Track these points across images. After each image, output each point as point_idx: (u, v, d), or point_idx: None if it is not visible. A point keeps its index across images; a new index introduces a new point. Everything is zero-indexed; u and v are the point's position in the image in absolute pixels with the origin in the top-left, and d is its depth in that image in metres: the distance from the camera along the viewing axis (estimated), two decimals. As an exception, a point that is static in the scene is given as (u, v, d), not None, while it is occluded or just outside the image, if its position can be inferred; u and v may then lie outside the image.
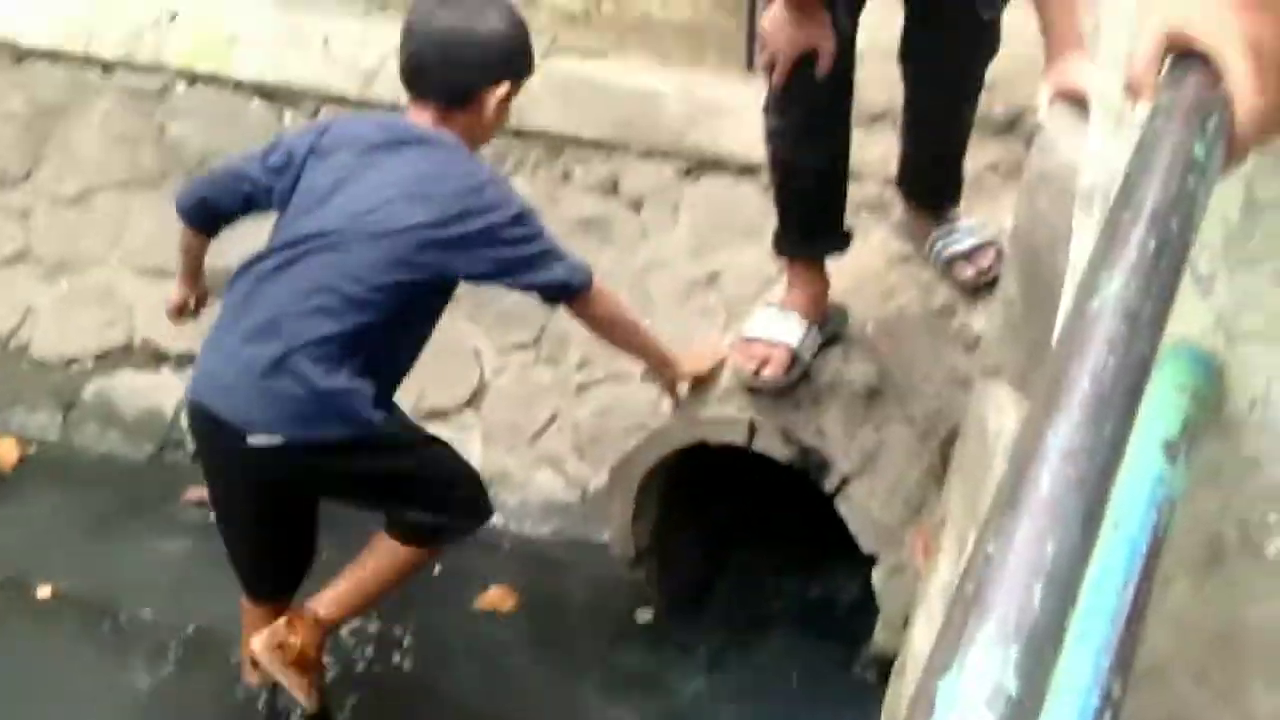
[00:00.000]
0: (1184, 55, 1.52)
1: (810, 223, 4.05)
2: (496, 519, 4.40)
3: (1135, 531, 1.62)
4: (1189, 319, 1.87)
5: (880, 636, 4.01)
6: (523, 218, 3.84)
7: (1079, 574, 1.02)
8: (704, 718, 4.17)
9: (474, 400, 4.70)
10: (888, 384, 4.12)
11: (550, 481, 4.65)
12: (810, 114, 3.81)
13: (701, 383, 4.16)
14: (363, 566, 4.01)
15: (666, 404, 4.37)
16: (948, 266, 4.20)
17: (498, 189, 3.88)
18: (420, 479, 4.06)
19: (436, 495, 4.06)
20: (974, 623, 0.92)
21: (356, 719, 4.12)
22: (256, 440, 3.74)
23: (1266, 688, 2.08)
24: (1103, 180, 1.89)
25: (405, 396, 4.35)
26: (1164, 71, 1.53)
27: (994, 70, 4.01)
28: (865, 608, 4.06)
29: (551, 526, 4.60)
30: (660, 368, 4.15)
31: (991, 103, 4.28)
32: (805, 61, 3.67)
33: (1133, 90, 1.58)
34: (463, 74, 3.90)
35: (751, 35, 3.86)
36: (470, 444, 4.46)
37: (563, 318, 4.57)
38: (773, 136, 3.93)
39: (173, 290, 4.15)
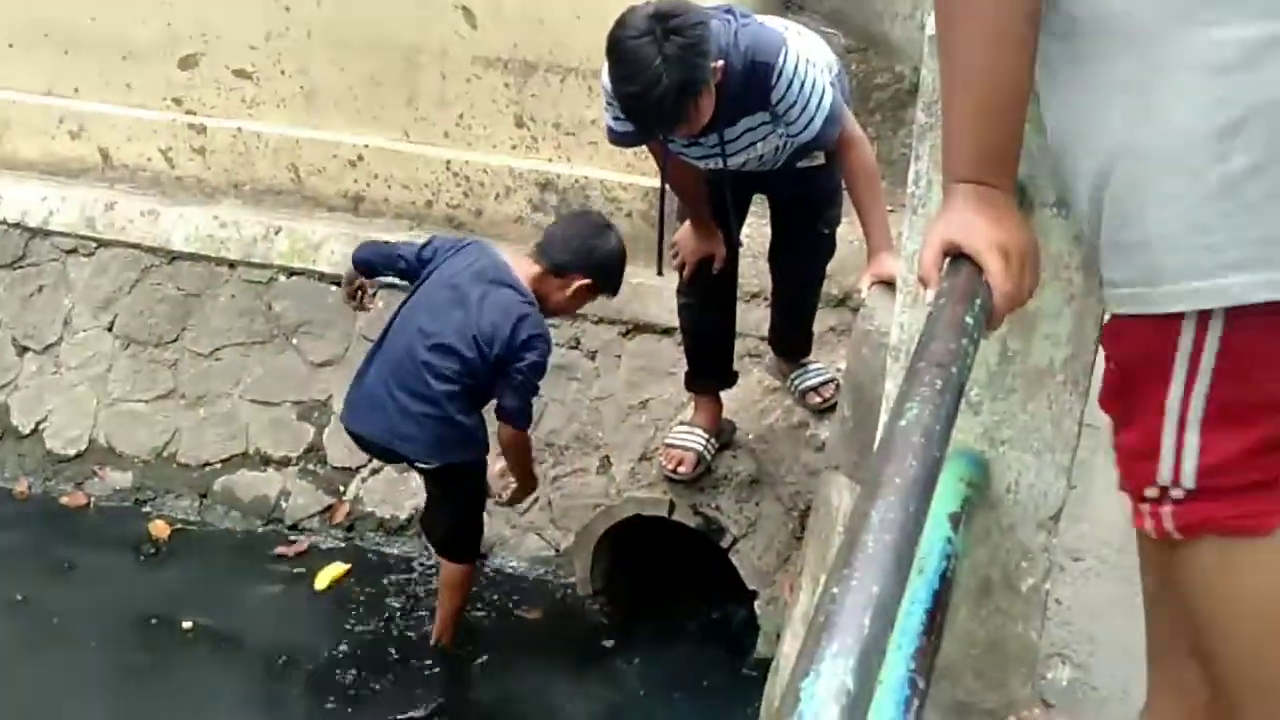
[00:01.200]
0: (957, 257, 1.50)
1: (710, 367, 4.11)
2: (504, 564, 4.47)
3: (932, 576, 1.62)
4: (965, 431, 1.87)
5: (761, 646, 3.99)
6: (534, 369, 3.79)
7: (895, 607, 1.03)
8: (639, 699, 4.11)
9: None
10: (763, 474, 4.14)
11: (535, 542, 4.58)
12: (708, 295, 3.90)
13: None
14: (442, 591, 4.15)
15: (614, 489, 4.34)
16: (802, 395, 4.20)
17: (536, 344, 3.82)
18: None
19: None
20: (824, 642, 0.94)
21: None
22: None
23: (1022, 681, 2.08)
24: (905, 339, 1.88)
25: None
26: (944, 268, 1.51)
27: (831, 264, 3.99)
28: (750, 627, 4.07)
29: (536, 573, 4.52)
30: (530, 483, 4.13)
31: (830, 286, 4.25)
32: (704, 261, 3.78)
33: (924, 281, 1.55)
34: (568, 257, 3.87)
35: (660, 250, 3.90)
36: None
37: (541, 432, 4.52)
38: (683, 309, 3.98)
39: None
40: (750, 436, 4.30)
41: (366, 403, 3.90)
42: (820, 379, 4.21)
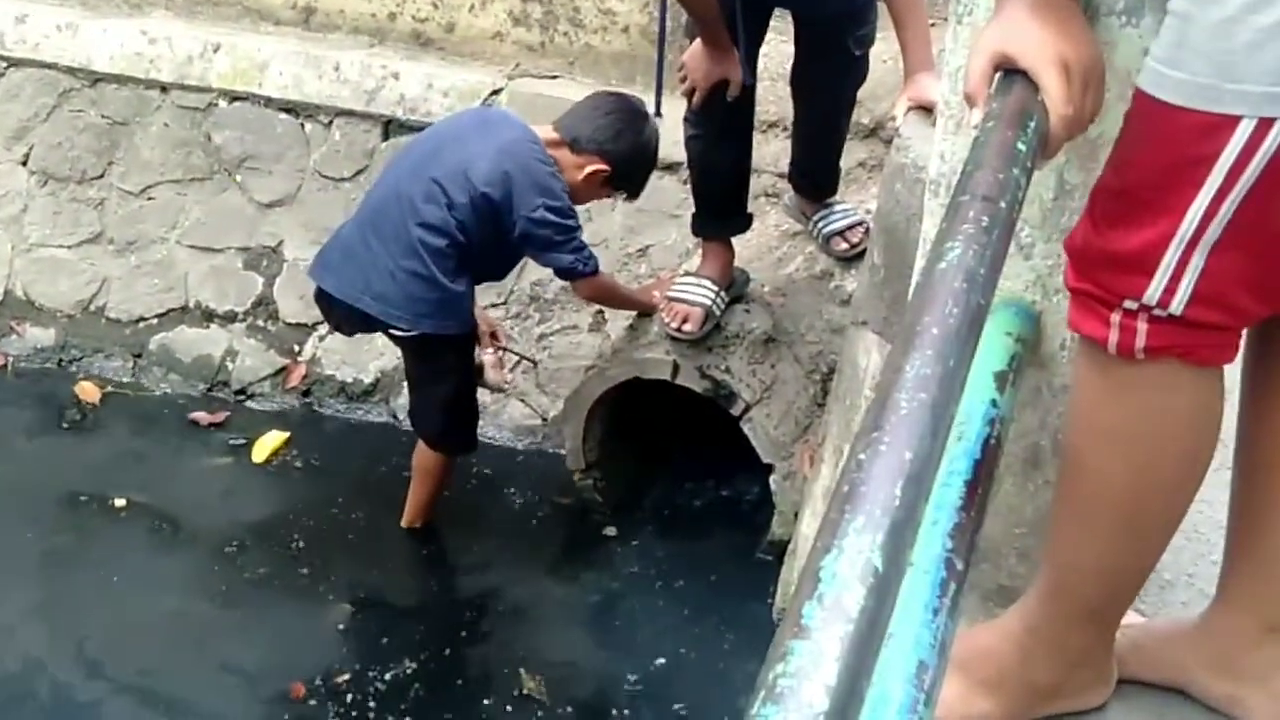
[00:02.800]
0: (1009, 72, 1.53)
1: (720, 209, 4.08)
2: (483, 435, 4.40)
3: (974, 443, 1.64)
4: (1014, 278, 1.89)
5: (777, 527, 4.02)
6: (557, 211, 3.77)
7: (930, 476, 1.03)
8: (638, 589, 4.16)
9: None
10: (780, 332, 4.14)
11: (519, 410, 4.65)
12: (721, 126, 3.83)
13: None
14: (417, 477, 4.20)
15: (608, 349, 4.36)
16: (827, 240, 4.20)
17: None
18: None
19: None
20: (849, 515, 0.93)
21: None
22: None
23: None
24: (946, 171, 1.89)
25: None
26: (994, 85, 1.54)
27: (862, 89, 3.98)
28: (765, 505, 4.08)
29: (523, 443, 4.58)
30: (646, 310, 4.16)
31: (860, 114, 4.26)
32: (718, 86, 3.69)
33: (969, 100, 1.58)
34: (589, 133, 3.85)
35: (659, 77, 3.92)
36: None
37: (524, 283, 4.60)
38: (691, 142, 3.92)
39: None
40: (766, 289, 4.31)
41: (338, 254, 3.89)
42: (847, 221, 4.20)
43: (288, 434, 4.66)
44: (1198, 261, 1.52)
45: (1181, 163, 1.49)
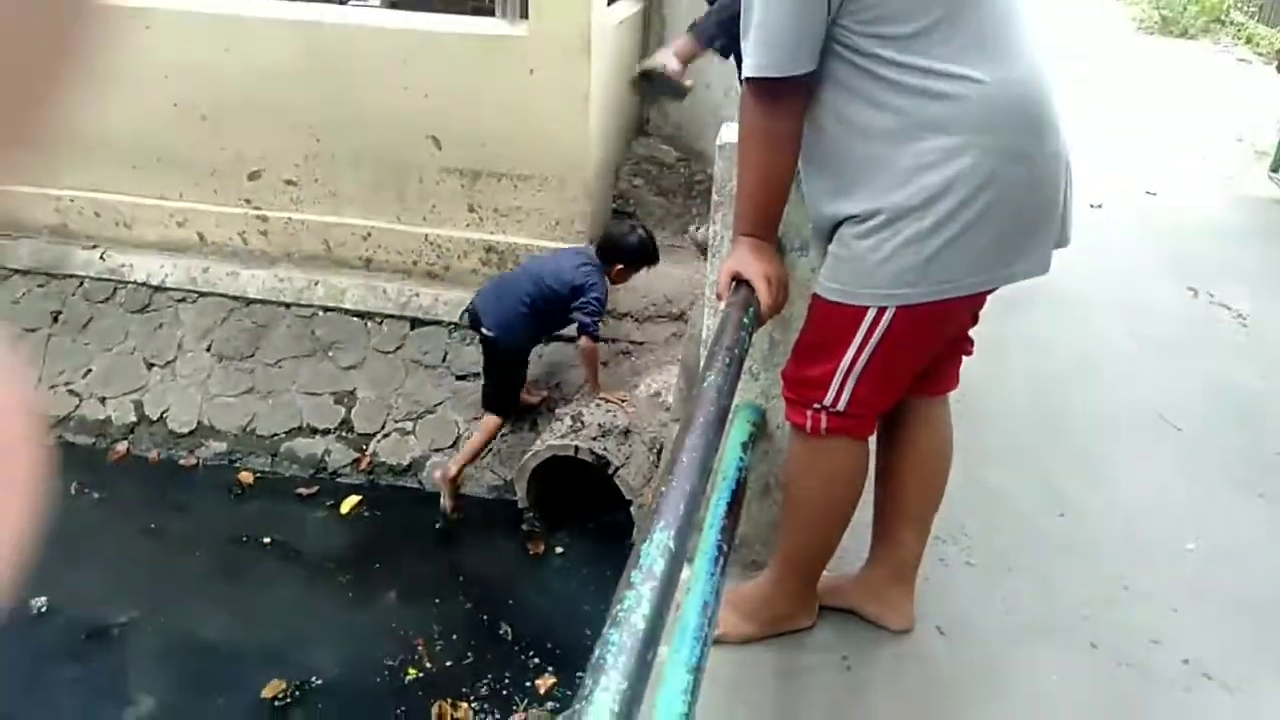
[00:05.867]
0: (739, 281, 1.50)
1: None
2: (471, 492, 4.39)
3: (731, 481, 1.62)
4: (749, 391, 1.88)
5: (636, 538, 3.95)
6: (595, 298, 3.92)
7: (700, 498, 1.03)
8: (559, 575, 4.11)
9: (455, 443, 4.62)
10: (633, 427, 4.11)
11: (490, 476, 4.56)
12: None
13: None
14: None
15: (539, 441, 4.25)
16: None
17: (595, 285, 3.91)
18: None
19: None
20: (655, 520, 0.94)
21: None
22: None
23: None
24: (709, 335, 1.77)
25: (440, 434, 4.44)
26: (731, 289, 1.51)
27: (668, 289, 3.94)
28: (630, 524, 4.03)
29: (493, 495, 4.51)
30: (593, 380, 4.19)
31: (671, 307, 4.28)
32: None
33: (719, 296, 1.55)
34: (607, 250, 4.02)
35: None
36: (453, 463, 4.35)
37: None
38: None
39: None
40: (626, 403, 4.25)
41: (486, 301, 4.12)
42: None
43: (360, 496, 4.59)
44: (851, 384, 1.51)
45: (840, 332, 1.48)
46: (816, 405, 1.56)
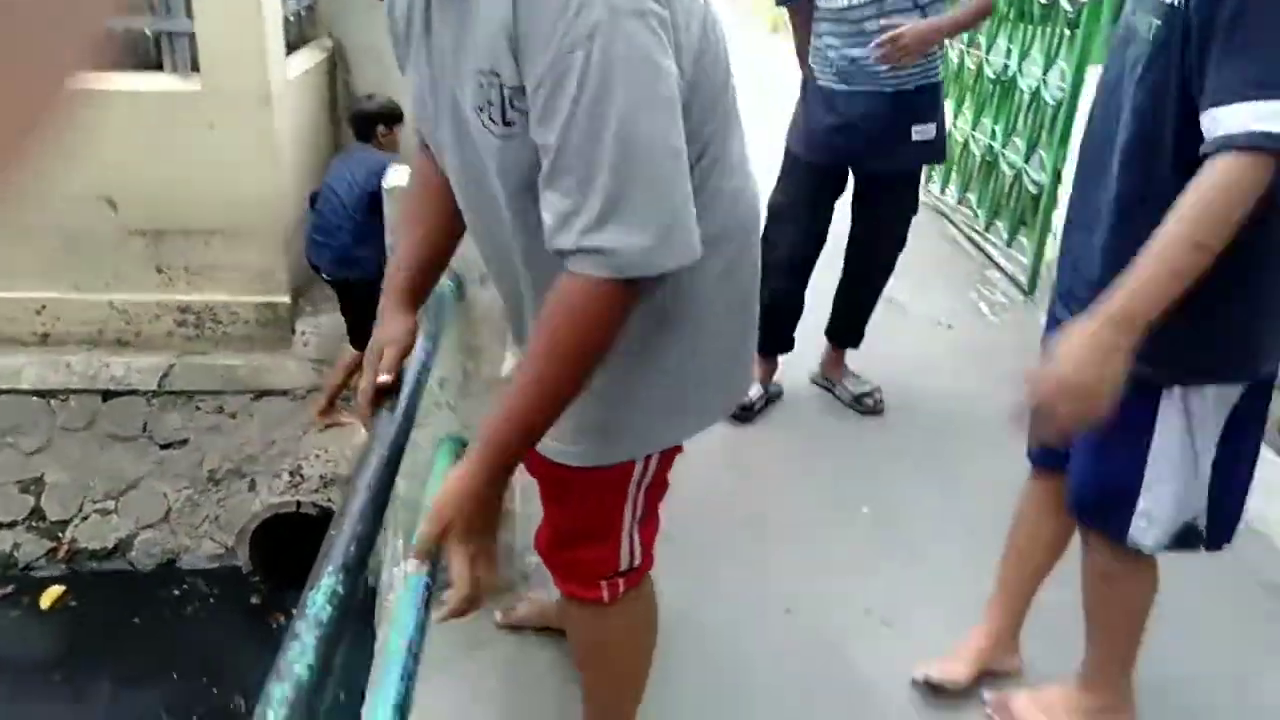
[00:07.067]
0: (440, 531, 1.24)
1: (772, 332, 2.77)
2: (192, 565, 4.23)
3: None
4: (449, 425, 1.89)
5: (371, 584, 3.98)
6: None
7: (371, 546, 1.03)
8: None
9: (166, 516, 4.35)
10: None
11: (210, 545, 4.42)
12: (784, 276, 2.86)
13: None
14: None
15: (258, 504, 4.21)
16: (857, 400, 3.14)
17: None
18: None
19: None
20: (323, 565, 0.95)
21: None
22: None
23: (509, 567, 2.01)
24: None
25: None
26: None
27: None
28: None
29: (216, 565, 4.39)
30: None
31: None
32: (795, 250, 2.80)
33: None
34: (367, 125, 3.99)
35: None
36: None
37: (204, 470, 4.39)
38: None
39: None
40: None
41: (313, 248, 3.99)
42: (869, 387, 3.14)
43: (64, 587, 4.30)
44: (636, 534, 1.46)
45: (613, 489, 1.39)
46: (611, 575, 1.49)
